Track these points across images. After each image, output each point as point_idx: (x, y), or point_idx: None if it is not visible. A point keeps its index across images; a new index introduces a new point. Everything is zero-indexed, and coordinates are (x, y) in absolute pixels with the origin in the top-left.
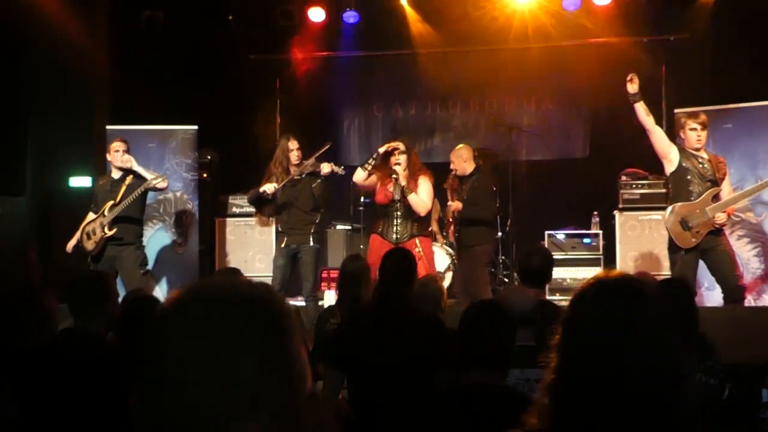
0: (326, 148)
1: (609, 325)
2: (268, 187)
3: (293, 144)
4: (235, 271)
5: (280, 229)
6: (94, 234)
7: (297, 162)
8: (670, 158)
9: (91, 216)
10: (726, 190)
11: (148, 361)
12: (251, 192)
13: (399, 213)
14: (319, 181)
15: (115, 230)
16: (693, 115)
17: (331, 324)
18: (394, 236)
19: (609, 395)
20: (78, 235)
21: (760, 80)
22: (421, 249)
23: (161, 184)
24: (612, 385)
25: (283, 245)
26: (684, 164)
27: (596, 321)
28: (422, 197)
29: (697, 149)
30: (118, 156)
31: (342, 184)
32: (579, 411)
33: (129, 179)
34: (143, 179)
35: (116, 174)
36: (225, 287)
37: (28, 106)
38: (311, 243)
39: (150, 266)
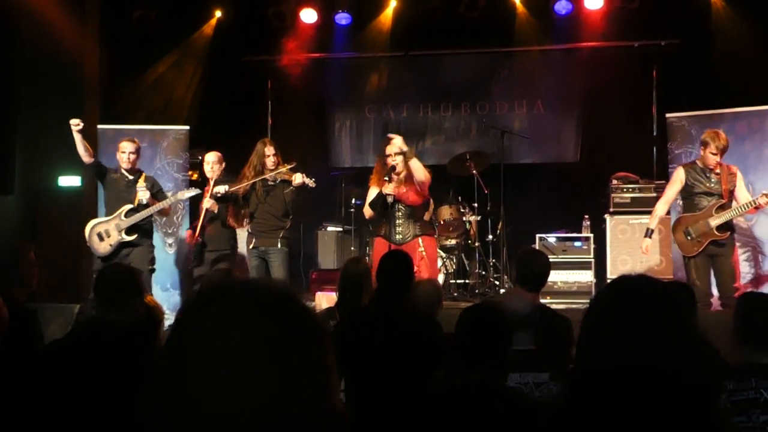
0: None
1: (632, 324)
2: (220, 189)
3: (269, 149)
4: (231, 272)
5: (249, 230)
6: (109, 236)
7: (273, 167)
8: (681, 186)
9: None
10: (742, 198)
11: (171, 362)
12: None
13: (400, 213)
14: (291, 188)
15: (135, 236)
16: (716, 137)
17: (330, 326)
18: (397, 237)
19: (631, 395)
20: (87, 235)
21: (751, 85)
22: (423, 249)
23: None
24: (634, 386)
25: (251, 246)
26: (689, 182)
27: (619, 320)
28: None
29: (706, 164)
30: (124, 157)
31: (333, 186)
32: (598, 411)
33: (141, 181)
34: (156, 183)
35: (127, 173)
36: (255, 288)
37: (17, 104)
38: (279, 246)
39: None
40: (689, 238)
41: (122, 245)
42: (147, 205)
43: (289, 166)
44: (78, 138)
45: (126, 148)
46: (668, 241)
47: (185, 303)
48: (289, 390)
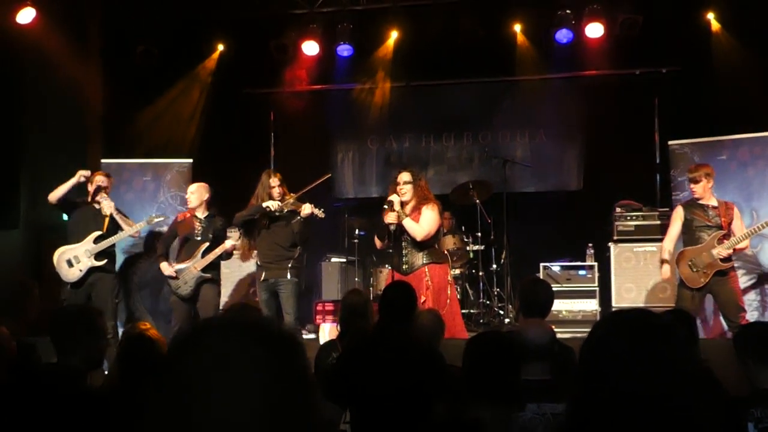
0: (326, 177)
1: (629, 357)
2: (272, 204)
3: (274, 180)
4: (249, 307)
5: (258, 263)
6: (79, 262)
7: (279, 198)
8: (681, 223)
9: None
10: (738, 232)
11: (167, 393)
12: (245, 213)
13: (405, 243)
14: (298, 218)
15: (105, 261)
16: (690, 169)
17: (332, 358)
18: (404, 267)
19: (629, 426)
20: (56, 261)
21: (752, 111)
22: (429, 278)
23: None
24: (632, 417)
25: (261, 279)
26: (688, 217)
27: (615, 355)
28: (421, 224)
29: (699, 199)
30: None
31: (337, 216)
32: None
33: (104, 200)
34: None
35: (95, 204)
36: (243, 322)
37: (22, 139)
38: (288, 277)
39: (145, 297)
40: (695, 270)
41: (91, 270)
42: (114, 234)
43: (295, 196)
44: (70, 185)
45: (104, 181)
46: (673, 268)
47: (177, 341)
48: (288, 410)
